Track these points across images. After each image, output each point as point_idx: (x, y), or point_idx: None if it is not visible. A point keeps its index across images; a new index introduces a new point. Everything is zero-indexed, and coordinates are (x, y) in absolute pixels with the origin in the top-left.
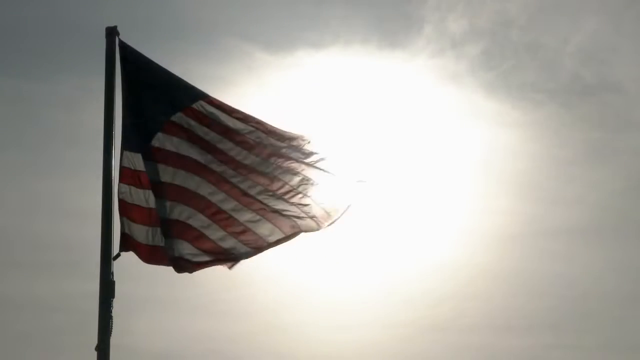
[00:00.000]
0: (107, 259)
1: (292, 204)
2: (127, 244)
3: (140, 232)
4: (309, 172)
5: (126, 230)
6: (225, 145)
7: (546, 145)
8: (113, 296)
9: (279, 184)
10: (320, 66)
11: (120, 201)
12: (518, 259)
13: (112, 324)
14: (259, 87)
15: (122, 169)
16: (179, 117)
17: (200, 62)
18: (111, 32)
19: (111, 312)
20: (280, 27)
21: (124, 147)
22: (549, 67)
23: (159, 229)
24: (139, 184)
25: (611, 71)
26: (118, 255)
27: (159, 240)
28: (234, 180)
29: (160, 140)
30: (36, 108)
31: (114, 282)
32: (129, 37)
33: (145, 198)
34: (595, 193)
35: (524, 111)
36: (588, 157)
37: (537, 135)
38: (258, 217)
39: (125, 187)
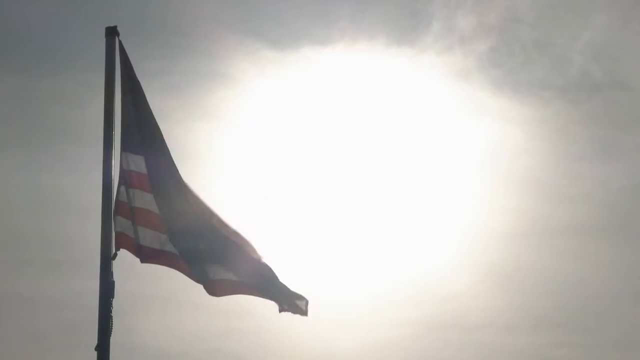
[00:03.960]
0: (106, 258)
1: None
2: (122, 243)
3: (148, 236)
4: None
5: (119, 229)
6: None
7: (554, 142)
8: (113, 296)
9: None
10: (327, 63)
11: (119, 202)
12: (525, 257)
13: (112, 323)
14: (264, 84)
15: (122, 171)
16: None
17: (206, 59)
18: (111, 32)
19: (111, 311)
20: (286, 24)
21: (124, 148)
22: (558, 64)
23: (167, 236)
24: (140, 186)
25: (620, 68)
26: (115, 255)
27: (170, 247)
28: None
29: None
30: (38, 105)
31: (113, 281)
32: (134, 34)
33: (150, 201)
34: (603, 190)
35: (532, 108)
36: (596, 154)
37: (545, 133)
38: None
39: (125, 189)
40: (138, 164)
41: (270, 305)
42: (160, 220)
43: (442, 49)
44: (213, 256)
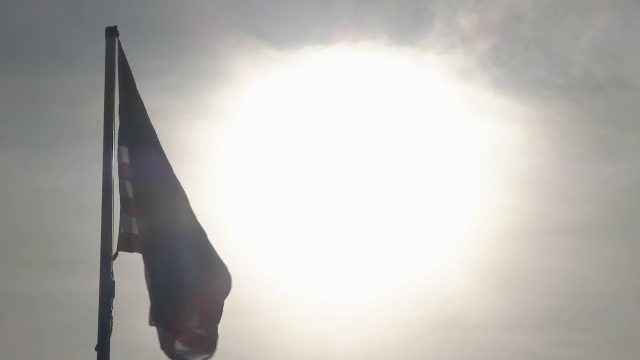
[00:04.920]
0: (106, 258)
1: None
2: (128, 243)
3: (130, 222)
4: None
5: (128, 230)
6: None
7: (555, 141)
8: (113, 296)
9: None
10: (328, 62)
11: (122, 198)
12: (526, 257)
13: (112, 323)
14: (266, 83)
15: (121, 165)
16: None
17: (206, 58)
18: (111, 32)
19: (111, 311)
20: (288, 23)
21: (120, 142)
22: (560, 63)
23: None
24: (127, 177)
25: (622, 67)
26: (116, 254)
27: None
28: None
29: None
30: (38, 104)
31: (113, 281)
32: (134, 34)
33: (130, 189)
34: (604, 190)
35: (533, 107)
36: (597, 154)
37: (546, 132)
38: None
39: (124, 183)
40: (125, 154)
41: (267, 305)
42: (134, 206)
43: (444, 48)
44: (171, 263)
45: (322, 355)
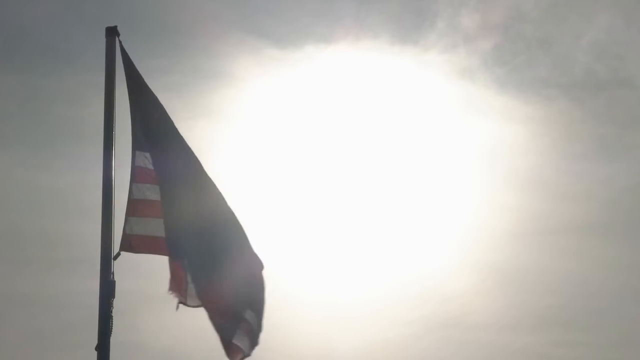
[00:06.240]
0: (107, 258)
1: None
2: (132, 244)
3: (145, 224)
4: None
5: (133, 232)
6: None
7: (557, 141)
8: (113, 295)
9: None
10: (330, 61)
11: (134, 201)
12: (526, 256)
13: (112, 323)
14: (267, 83)
15: (136, 169)
16: None
17: (207, 57)
18: (111, 33)
19: (111, 311)
20: (289, 22)
21: (135, 147)
22: (562, 62)
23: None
24: (148, 180)
25: (624, 67)
26: (118, 254)
27: (161, 233)
28: None
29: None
30: (39, 104)
31: (114, 281)
32: (135, 34)
33: (155, 192)
34: (606, 189)
35: (535, 107)
36: (598, 153)
37: (548, 131)
38: None
39: (141, 186)
40: (146, 160)
41: (267, 305)
42: (160, 207)
43: (446, 47)
44: (200, 260)
45: (323, 355)
